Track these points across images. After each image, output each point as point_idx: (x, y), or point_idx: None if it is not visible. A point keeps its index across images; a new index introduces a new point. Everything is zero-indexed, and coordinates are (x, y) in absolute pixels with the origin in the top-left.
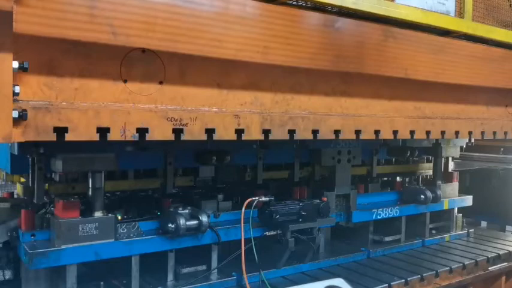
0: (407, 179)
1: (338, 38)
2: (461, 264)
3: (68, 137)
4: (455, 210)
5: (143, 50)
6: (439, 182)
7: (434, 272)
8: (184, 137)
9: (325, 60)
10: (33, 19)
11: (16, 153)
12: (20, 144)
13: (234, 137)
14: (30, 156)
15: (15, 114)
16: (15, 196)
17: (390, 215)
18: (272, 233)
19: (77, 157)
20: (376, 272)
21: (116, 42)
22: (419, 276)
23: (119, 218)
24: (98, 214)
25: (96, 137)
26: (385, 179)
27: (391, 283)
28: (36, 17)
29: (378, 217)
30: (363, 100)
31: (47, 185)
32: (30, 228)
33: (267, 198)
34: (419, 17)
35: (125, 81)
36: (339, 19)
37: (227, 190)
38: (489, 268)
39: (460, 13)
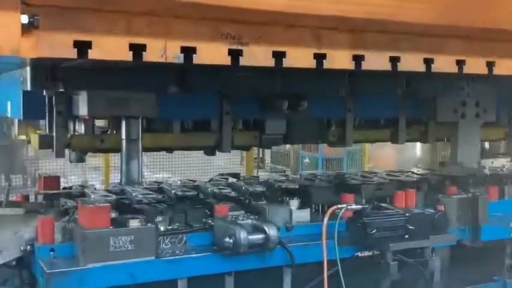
0: None
1: None
2: None
3: (92, 54)
4: None
5: None
6: None
7: None
8: (244, 61)
9: None
10: None
11: (29, 89)
12: (34, 76)
13: (312, 64)
14: (47, 95)
15: (24, 19)
16: (31, 200)
17: None
18: (367, 253)
19: (107, 96)
20: None
21: None
22: None
23: (161, 228)
24: (135, 223)
25: (128, 55)
26: None
27: None
28: None
29: None
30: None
31: (69, 136)
32: (48, 240)
33: (359, 206)
34: None
35: None
36: None
37: (303, 194)
38: None
39: None
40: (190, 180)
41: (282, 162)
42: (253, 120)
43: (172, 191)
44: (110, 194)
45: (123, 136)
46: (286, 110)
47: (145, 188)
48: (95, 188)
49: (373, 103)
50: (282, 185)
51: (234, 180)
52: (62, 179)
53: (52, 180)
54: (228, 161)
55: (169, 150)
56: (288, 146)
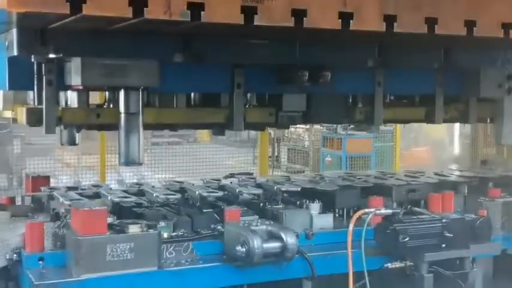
0: None
1: None
2: None
3: (87, 8)
4: None
5: None
6: None
7: None
8: (259, 20)
9: None
10: None
11: (15, 54)
12: (21, 40)
13: (337, 24)
14: (36, 62)
15: None
16: (18, 203)
17: None
18: (398, 264)
19: (104, 63)
20: None
21: None
22: None
23: (165, 235)
24: (135, 229)
25: (127, 11)
26: None
27: None
28: None
29: None
30: None
31: (60, 109)
32: (37, 248)
33: (390, 211)
34: None
35: None
36: None
37: (325, 196)
38: None
39: None
40: (177, 182)
41: (300, 161)
42: (269, 95)
43: (154, 194)
44: (83, 198)
45: (122, 110)
46: (306, 82)
47: (124, 191)
48: (67, 190)
49: (406, 76)
50: (281, 187)
51: (228, 181)
52: (51, 180)
53: (41, 181)
54: (239, 160)
55: (173, 127)
56: (307, 143)
